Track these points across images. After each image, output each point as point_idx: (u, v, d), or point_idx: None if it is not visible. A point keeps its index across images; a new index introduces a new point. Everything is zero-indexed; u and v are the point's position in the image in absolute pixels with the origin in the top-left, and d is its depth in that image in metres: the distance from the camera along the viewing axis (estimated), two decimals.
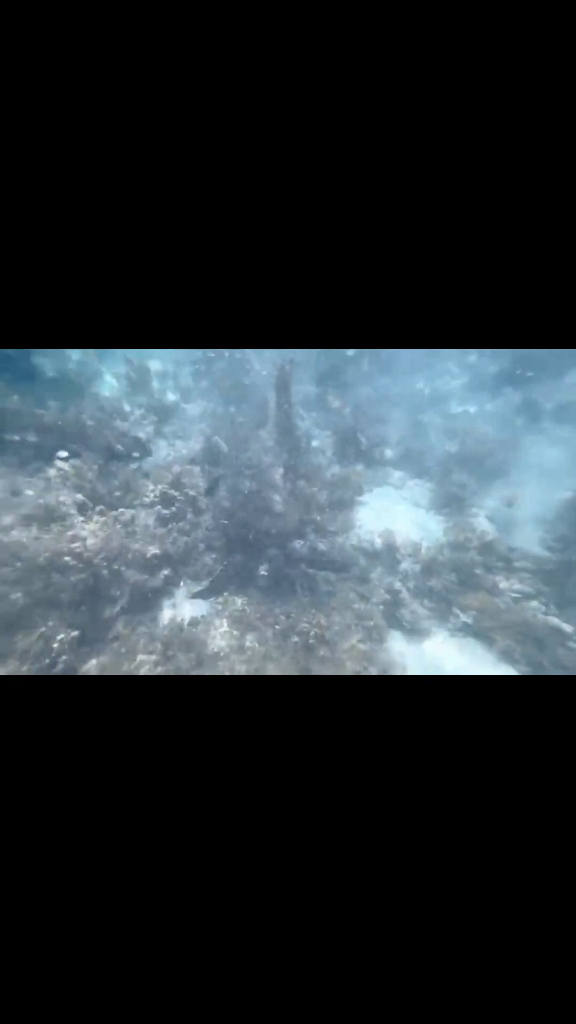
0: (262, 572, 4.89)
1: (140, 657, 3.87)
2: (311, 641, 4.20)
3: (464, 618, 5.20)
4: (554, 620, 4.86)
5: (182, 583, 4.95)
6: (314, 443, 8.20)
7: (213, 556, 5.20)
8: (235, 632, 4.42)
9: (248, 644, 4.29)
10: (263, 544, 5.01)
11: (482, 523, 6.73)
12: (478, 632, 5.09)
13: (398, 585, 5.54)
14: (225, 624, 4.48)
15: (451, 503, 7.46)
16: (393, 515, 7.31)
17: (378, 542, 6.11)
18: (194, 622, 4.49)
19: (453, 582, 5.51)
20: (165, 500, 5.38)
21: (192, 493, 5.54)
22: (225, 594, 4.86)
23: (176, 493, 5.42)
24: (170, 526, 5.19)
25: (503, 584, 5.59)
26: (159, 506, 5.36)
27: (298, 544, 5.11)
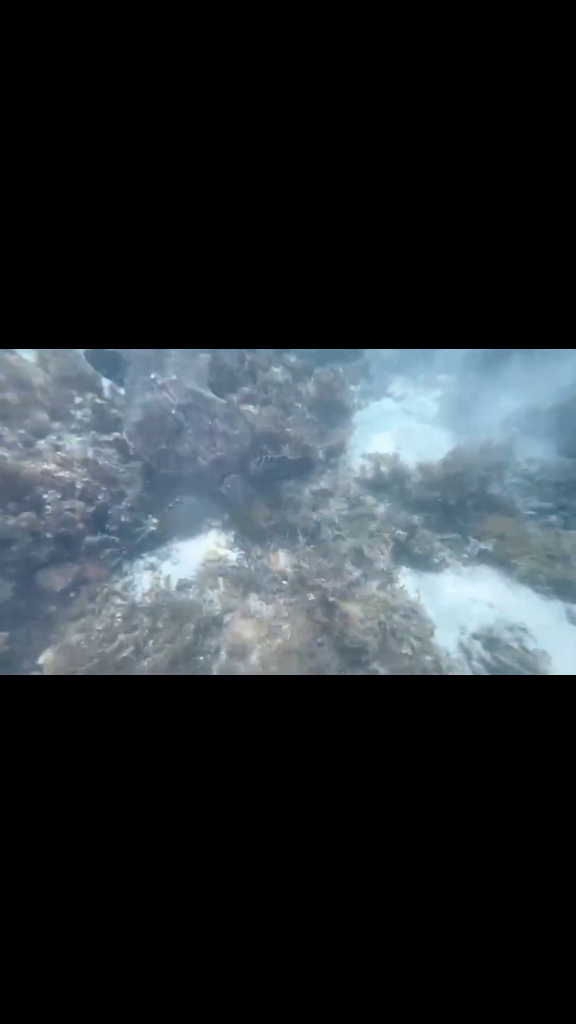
0: (224, 489, 4.01)
1: (121, 638, 3.09)
2: (331, 598, 3.57)
3: (483, 545, 4.74)
4: None
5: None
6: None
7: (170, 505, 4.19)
8: (235, 593, 3.69)
9: (255, 607, 3.62)
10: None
11: (495, 436, 5.98)
12: (500, 559, 4.69)
13: (405, 516, 4.91)
14: (222, 584, 3.73)
15: (462, 413, 6.59)
16: (395, 434, 6.39)
17: (383, 469, 5.28)
18: (183, 585, 3.69)
19: (467, 506, 4.92)
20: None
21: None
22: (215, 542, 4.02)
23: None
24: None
25: (521, 503, 5.10)
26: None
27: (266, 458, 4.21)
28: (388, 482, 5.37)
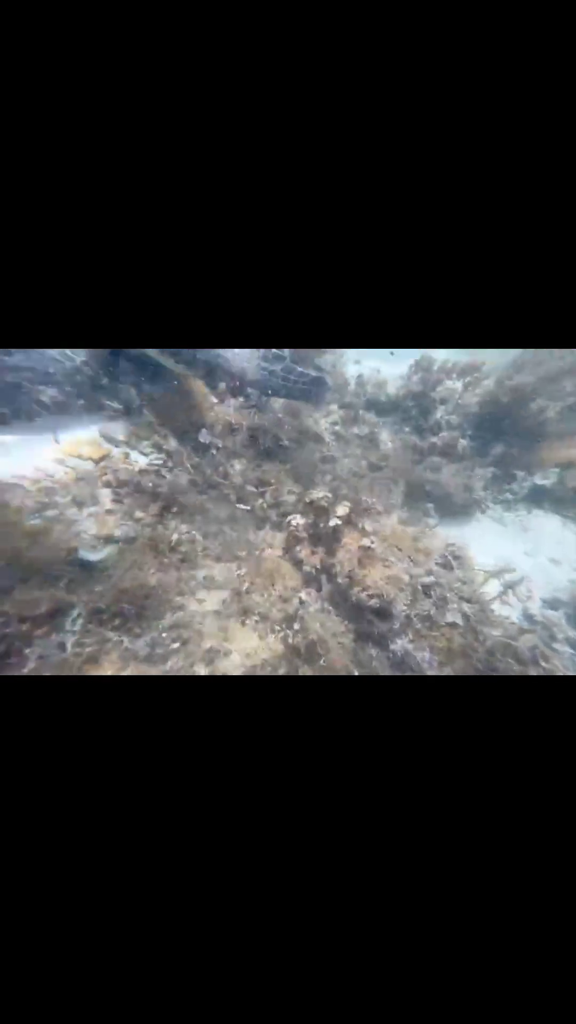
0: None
1: None
2: (336, 521, 1.88)
3: (539, 479, 3.25)
4: None
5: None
6: None
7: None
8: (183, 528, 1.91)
9: (208, 546, 1.84)
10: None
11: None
12: (560, 499, 3.22)
13: (435, 440, 3.35)
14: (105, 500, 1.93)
15: None
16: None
17: (393, 378, 3.72)
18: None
19: (516, 432, 3.44)
20: None
21: None
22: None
23: None
24: None
25: None
26: None
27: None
28: (398, 396, 3.81)
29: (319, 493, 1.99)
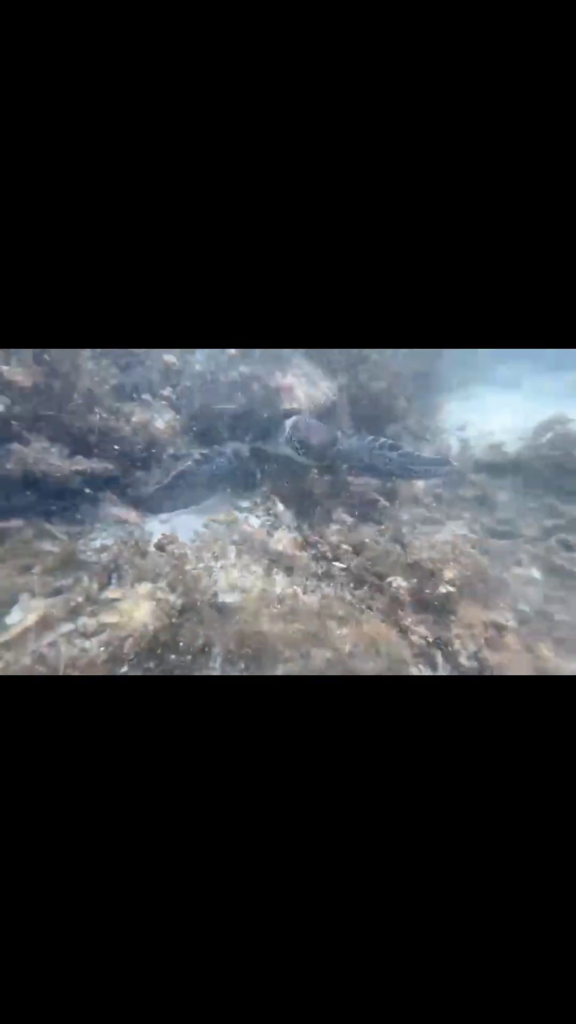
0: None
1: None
2: (446, 588, 1.90)
3: None
4: None
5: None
6: None
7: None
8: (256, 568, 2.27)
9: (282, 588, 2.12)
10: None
11: None
12: None
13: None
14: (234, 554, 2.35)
15: None
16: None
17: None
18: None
19: None
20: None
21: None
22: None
23: None
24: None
25: None
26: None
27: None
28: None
29: (424, 553, 2.03)
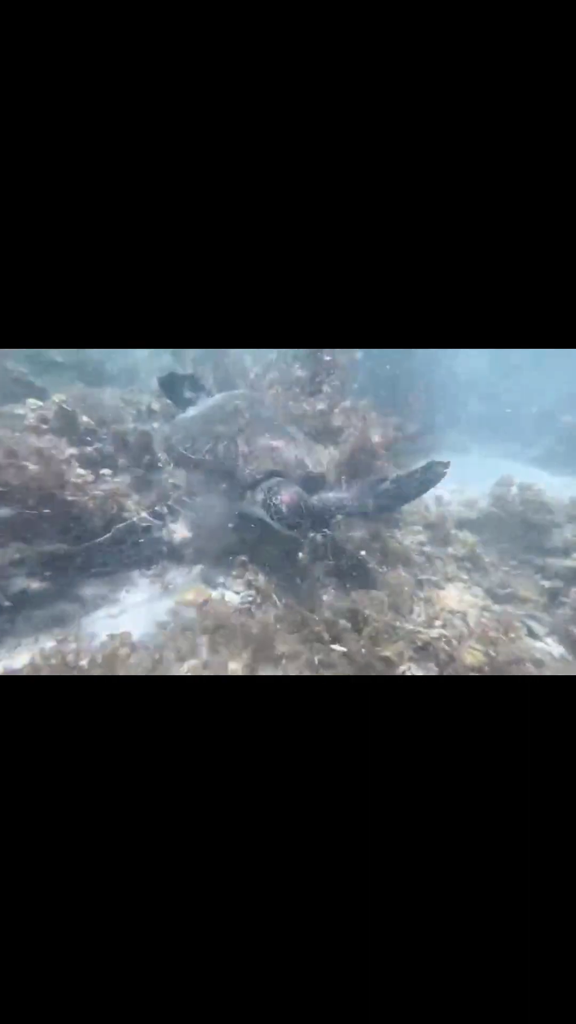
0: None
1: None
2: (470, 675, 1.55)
3: None
4: None
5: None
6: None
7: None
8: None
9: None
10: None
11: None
12: None
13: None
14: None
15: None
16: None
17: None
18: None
19: None
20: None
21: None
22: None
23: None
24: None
25: None
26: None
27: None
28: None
29: (434, 632, 1.71)
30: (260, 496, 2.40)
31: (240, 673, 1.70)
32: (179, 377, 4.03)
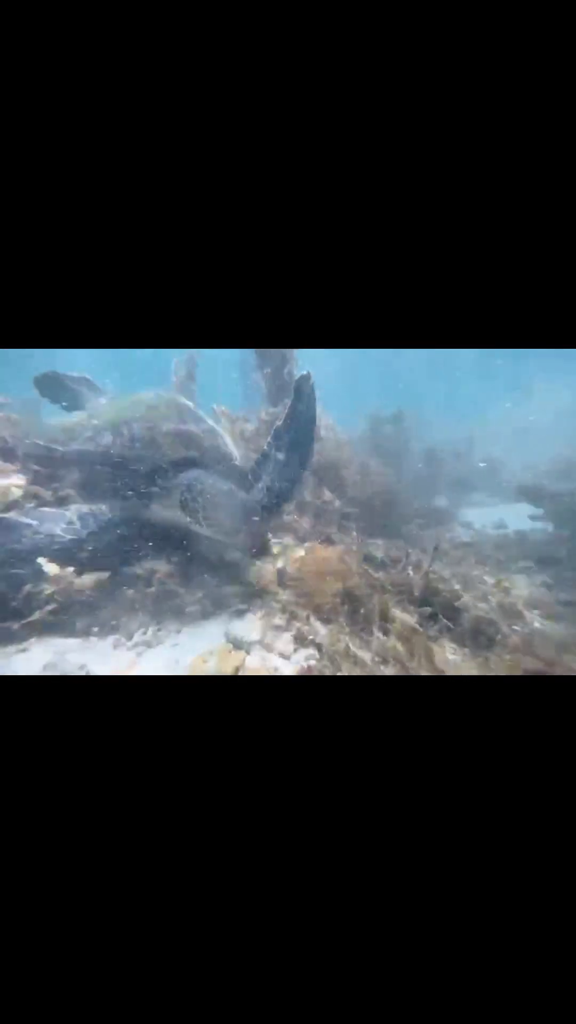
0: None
1: None
2: None
3: None
4: None
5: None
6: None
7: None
8: None
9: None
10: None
11: None
12: None
13: None
14: None
15: None
16: None
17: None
18: None
19: None
20: None
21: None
22: None
23: None
24: None
25: None
26: None
27: None
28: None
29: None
30: (180, 494, 1.78)
31: None
32: (66, 377, 3.31)
